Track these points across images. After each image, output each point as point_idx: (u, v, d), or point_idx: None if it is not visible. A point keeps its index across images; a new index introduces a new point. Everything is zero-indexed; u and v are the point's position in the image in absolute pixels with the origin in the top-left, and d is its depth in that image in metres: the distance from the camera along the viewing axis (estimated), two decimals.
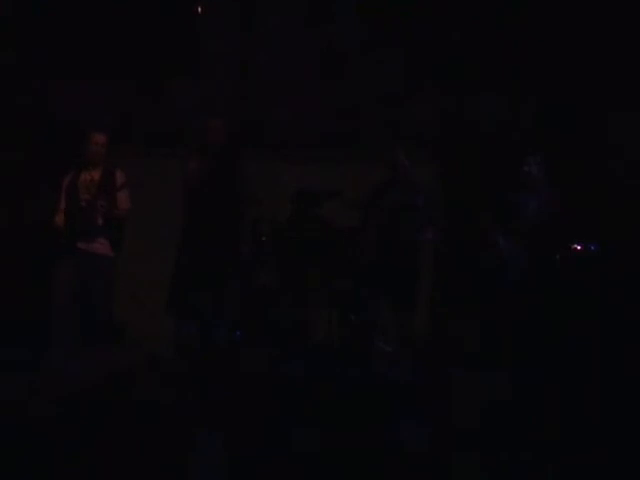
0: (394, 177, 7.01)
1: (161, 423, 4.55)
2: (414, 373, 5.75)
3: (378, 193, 7.07)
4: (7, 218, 7.58)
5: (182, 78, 7.92)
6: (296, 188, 7.36)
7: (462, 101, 7.86)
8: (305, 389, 5.00)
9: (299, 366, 5.78)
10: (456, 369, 5.93)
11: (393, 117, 7.96)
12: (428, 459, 4.29)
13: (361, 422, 4.59)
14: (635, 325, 6.61)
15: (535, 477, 4.14)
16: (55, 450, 4.23)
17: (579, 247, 7.11)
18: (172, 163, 7.03)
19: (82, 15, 7.62)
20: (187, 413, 4.64)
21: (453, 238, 6.99)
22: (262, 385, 5.08)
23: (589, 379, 5.54)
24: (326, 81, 8.05)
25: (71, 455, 4.23)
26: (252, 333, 7.08)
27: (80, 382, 5.01)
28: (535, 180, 6.76)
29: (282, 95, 7.96)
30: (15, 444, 4.21)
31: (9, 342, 6.26)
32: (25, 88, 7.70)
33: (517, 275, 6.69)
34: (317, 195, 7.29)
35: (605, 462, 4.19)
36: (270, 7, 8.01)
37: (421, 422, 4.57)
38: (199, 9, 7.68)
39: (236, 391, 4.96)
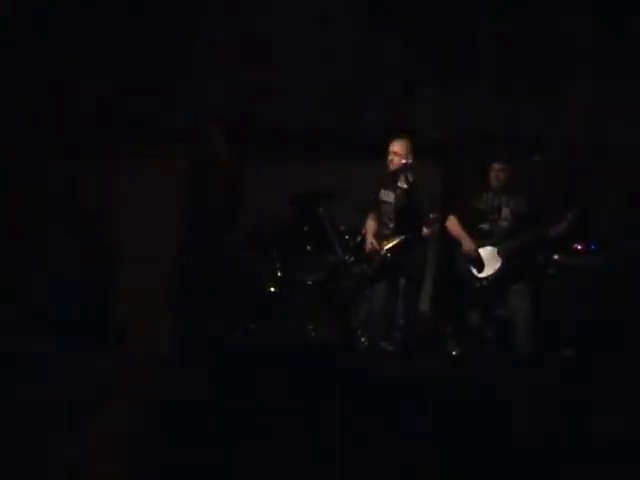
0: (393, 178, 7.02)
1: (161, 423, 4.55)
2: (415, 371, 5.76)
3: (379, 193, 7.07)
4: None
5: (181, 78, 7.93)
6: (296, 188, 7.36)
7: (462, 101, 7.86)
8: (305, 388, 5.00)
9: (299, 364, 5.78)
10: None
11: (394, 117, 7.96)
12: (429, 456, 4.30)
13: (361, 421, 4.59)
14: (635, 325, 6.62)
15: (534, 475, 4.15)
16: (53, 450, 4.23)
17: (579, 247, 7.12)
18: (172, 163, 7.02)
19: (81, 15, 7.63)
20: (188, 413, 4.65)
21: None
22: (262, 385, 5.09)
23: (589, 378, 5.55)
24: (327, 80, 8.06)
25: (70, 455, 4.24)
26: (252, 333, 7.09)
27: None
28: None
29: (282, 95, 7.97)
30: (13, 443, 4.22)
31: None
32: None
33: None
34: (317, 196, 7.29)
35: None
36: (270, 7, 8.03)
37: (421, 420, 4.58)
38: None
39: (236, 391, 4.97)
